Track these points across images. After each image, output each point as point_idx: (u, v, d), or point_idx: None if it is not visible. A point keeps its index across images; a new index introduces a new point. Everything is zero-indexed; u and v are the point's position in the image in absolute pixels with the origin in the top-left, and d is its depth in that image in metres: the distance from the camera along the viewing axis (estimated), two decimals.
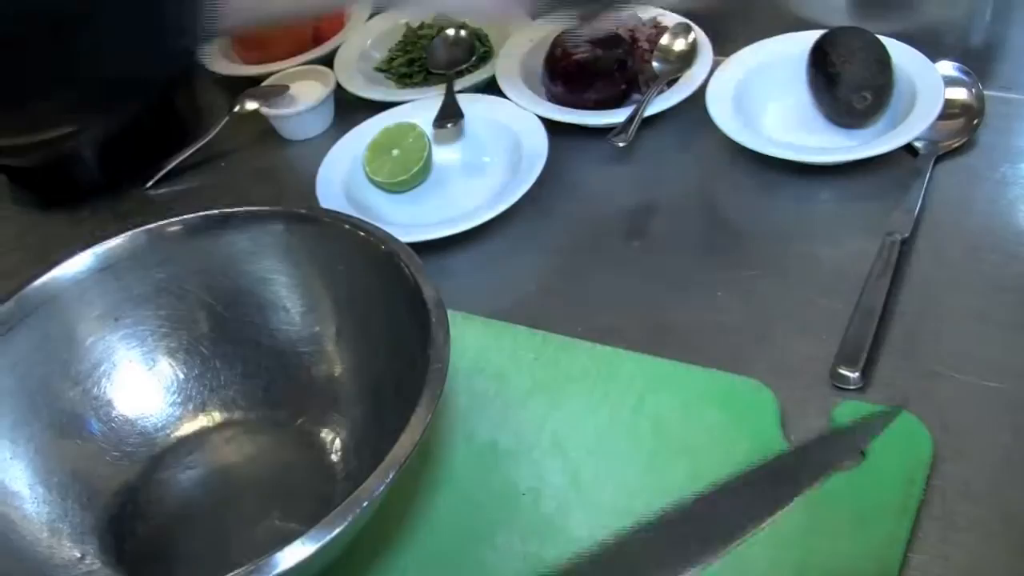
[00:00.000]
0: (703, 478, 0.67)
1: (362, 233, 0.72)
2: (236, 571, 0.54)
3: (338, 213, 0.75)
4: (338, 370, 0.76)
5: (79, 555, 0.71)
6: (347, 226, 0.74)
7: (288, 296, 0.78)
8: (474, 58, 1.12)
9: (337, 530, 0.56)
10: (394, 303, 0.70)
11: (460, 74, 1.10)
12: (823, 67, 0.93)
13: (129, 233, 0.78)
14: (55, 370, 0.76)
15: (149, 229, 0.78)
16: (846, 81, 0.92)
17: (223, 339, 0.79)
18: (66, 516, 0.73)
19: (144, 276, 0.78)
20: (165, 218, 0.79)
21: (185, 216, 0.78)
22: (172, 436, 0.78)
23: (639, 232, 0.93)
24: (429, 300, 0.66)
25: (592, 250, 0.92)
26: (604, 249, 0.92)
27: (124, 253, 0.78)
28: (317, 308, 0.77)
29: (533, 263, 0.92)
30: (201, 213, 0.78)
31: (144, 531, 0.74)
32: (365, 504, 0.57)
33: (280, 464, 0.76)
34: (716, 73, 0.99)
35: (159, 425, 0.79)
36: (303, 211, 0.76)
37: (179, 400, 0.79)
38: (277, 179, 1.11)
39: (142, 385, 0.79)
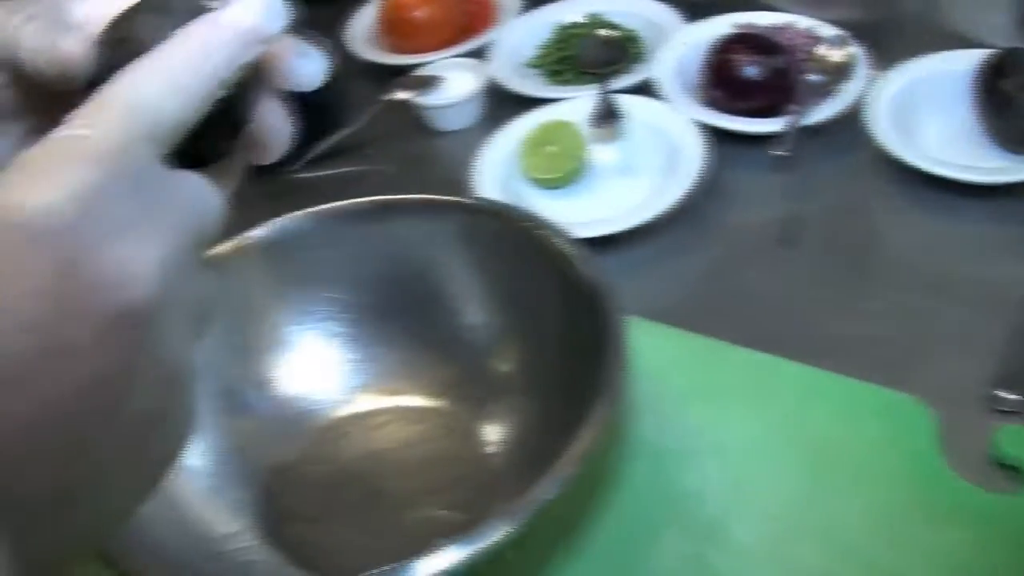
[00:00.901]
0: (862, 492, 0.69)
1: (539, 230, 0.74)
2: (417, 557, 0.56)
3: (515, 207, 0.76)
4: (503, 363, 0.77)
5: (236, 530, 0.73)
6: (524, 221, 0.75)
7: (457, 286, 0.79)
8: (626, 59, 1.13)
9: (519, 523, 0.57)
10: (568, 301, 0.71)
11: (613, 74, 1.10)
12: (995, 89, 0.93)
13: (300, 213, 0.80)
14: (221, 344, 0.77)
15: (321, 210, 0.80)
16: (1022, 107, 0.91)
17: (387, 324, 0.81)
18: (224, 490, 0.75)
19: (313, 257, 0.80)
20: (319, 202, 0.80)
21: (360, 199, 0.80)
22: (331, 417, 0.80)
23: (793, 241, 0.94)
24: (607, 301, 0.67)
25: (745, 257, 0.93)
26: (757, 257, 0.93)
27: (295, 233, 0.80)
28: (486, 300, 0.78)
29: (686, 267, 0.93)
30: (377, 198, 0.80)
31: (300, 511, 0.75)
32: (549, 498, 0.58)
33: (438, 453, 0.77)
34: (876, 86, 0.99)
35: (319, 406, 0.80)
36: (481, 202, 0.77)
37: (340, 382, 0.81)
38: (425, 169, 1.13)
39: (304, 365, 0.81)
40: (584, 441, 0.59)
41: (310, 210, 0.80)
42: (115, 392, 0.35)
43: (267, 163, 0.46)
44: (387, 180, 1.10)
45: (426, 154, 1.15)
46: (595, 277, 0.69)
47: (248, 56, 0.40)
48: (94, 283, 0.34)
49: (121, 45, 0.40)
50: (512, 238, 0.75)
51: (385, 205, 0.80)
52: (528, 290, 0.75)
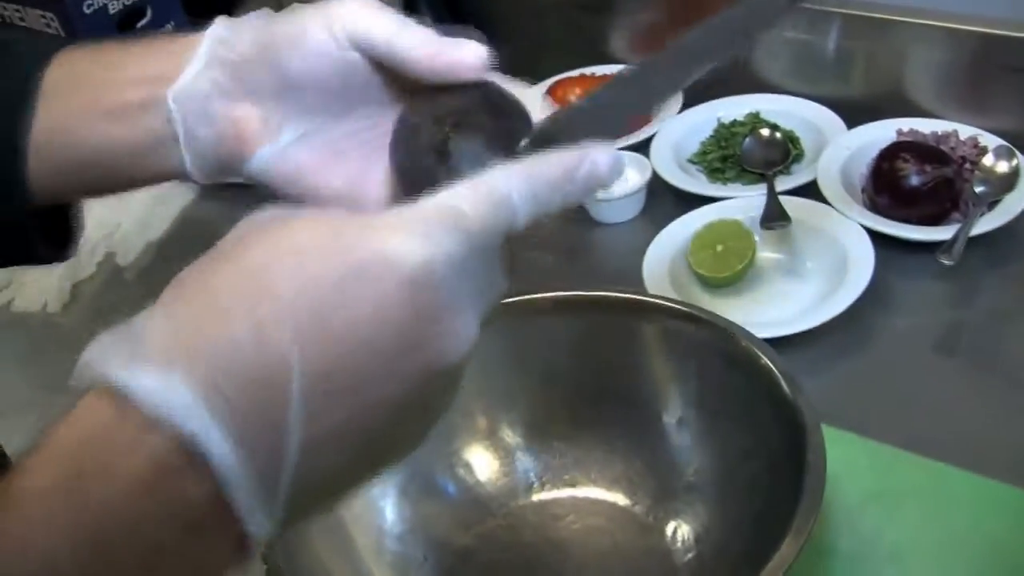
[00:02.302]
0: None
1: (731, 335, 0.77)
2: None
3: (715, 314, 0.79)
4: (691, 462, 0.80)
5: None
6: (726, 328, 0.78)
7: (652, 385, 0.82)
8: (788, 160, 1.16)
9: None
10: (757, 406, 0.74)
11: (776, 175, 1.14)
12: None
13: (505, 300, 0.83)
14: None
15: (516, 301, 0.83)
16: None
17: (577, 416, 0.84)
18: (407, 567, 0.80)
19: (504, 346, 0.83)
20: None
21: (557, 292, 0.84)
22: (513, 504, 0.84)
23: (957, 349, 0.96)
24: (805, 412, 0.70)
25: (905, 362, 0.95)
26: (917, 362, 0.95)
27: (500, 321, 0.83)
28: (679, 400, 0.81)
29: (848, 371, 0.96)
30: (572, 292, 0.83)
31: None
32: None
33: (619, 547, 0.80)
34: None
35: (502, 491, 0.84)
36: (678, 306, 0.80)
37: (525, 469, 0.85)
38: (586, 260, 1.17)
39: (492, 451, 0.85)
40: (789, 549, 0.62)
41: (514, 299, 0.83)
42: (414, 415, 0.43)
43: None
44: (548, 269, 1.14)
45: (587, 245, 1.19)
46: (790, 387, 0.72)
47: (584, 199, 0.46)
48: (440, 337, 0.41)
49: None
50: (711, 343, 0.78)
51: (583, 300, 0.83)
52: (722, 395, 0.78)
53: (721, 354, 0.77)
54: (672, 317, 0.80)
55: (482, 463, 0.84)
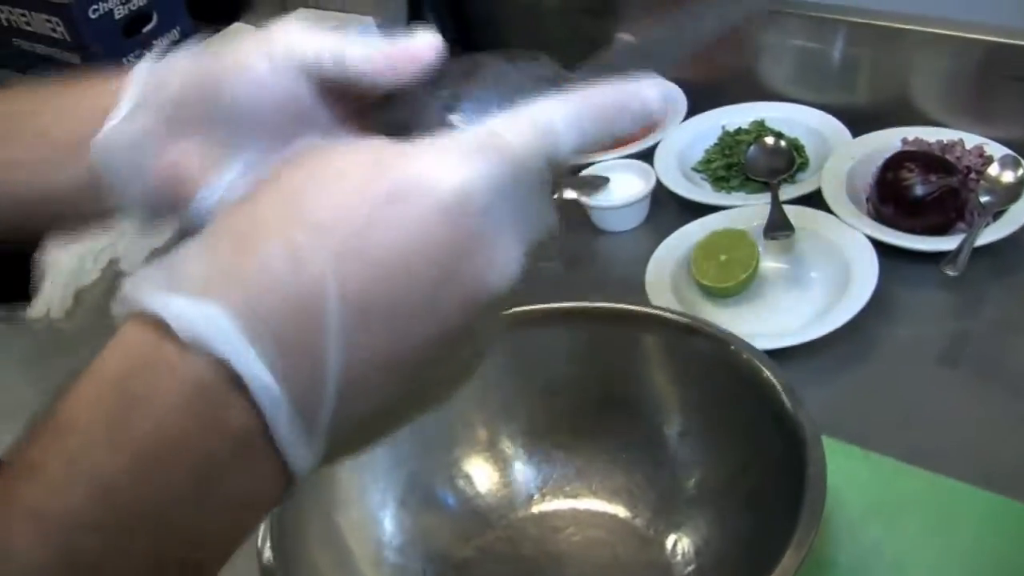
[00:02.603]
0: None
1: (732, 347, 0.77)
2: None
3: (717, 327, 0.79)
4: (692, 475, 0.80)
5: None
6: (727, 341, 0.77)
7: (652, 396, 0.82)
8: (793, 168, 1.16)
9: None
10: (758, 419, 0.73)
11: (780, 184, 1.13)
12: None
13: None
14: (417, 435, 0.82)
15: (517, 312, 0.81)
16: None
17: (577, 427, 0.84)
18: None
19: (505, 357, 0.83)
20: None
21: (554, 304, 0.83)
22: (512, 518, 0.83)
23: (961, 360, 0.95)
24: (803, 424, 0.69)
25: (908, 374, 0.94)
26: (920, 374, 0.94)
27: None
28: (679, 412, 0.81)
29: (850, 382, 0.95)
30: (573, 304, 0.83)
31: None
32: None
33: (620, 559, 0.80)
34: None
35: (502, 503, 0.84)
36: (679, 318, 0.80)
37: (521, 482, 0.84)
38: (591, 268, 1.17)
39: (492, 463, 0.84)
40: (790, 563, 0.61)
41: (515, 310, 0.81)
42: (457, 349, 0.42)
43: None
44: (553, 277, 1.13)
45: (591, 253, 1.19)
46: (790, 400, 0.71)
47: (630, 131, 0.45)
48: (481, 266, 0.40)
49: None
50: (712, 355, 0.78)
51: (585, 311, 0.83)
52: (723, 407, 0.78)
53: (722, 366, 0.77)
54: (673, 329, 0.79)
55: (482, 474, 0.84)
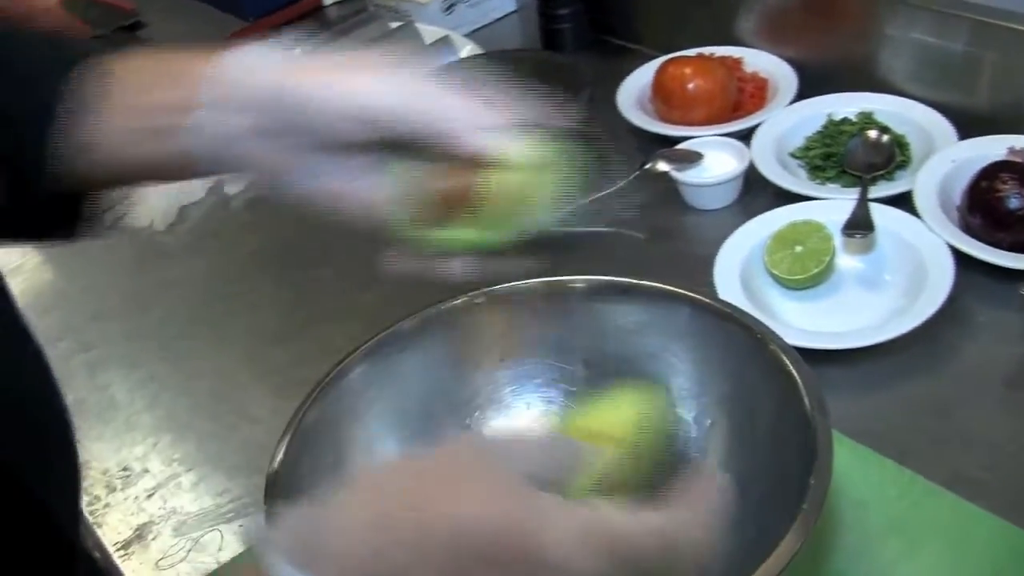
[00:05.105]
0: None
1: (760, 336, 0.74)
2: None
3: (741, 311, 0.77)
4: (703, 462, 0.78)
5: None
6: (750, 326, 0.76)
7: (670, 377, 0.81)
8: (893, 165, 1.12)
9: None
10: (780, 414, 0.71)
11: (876, 180, 1.10)
12: None
13: (531, 280, 0.83)
14: (436, 393, 0.82)
15: (552, 281, 0.83)
16: None
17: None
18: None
19: (537, 325, 0.83)
20: (571, 258, 0.85)
21: (592, 277, 0.83)
22: None
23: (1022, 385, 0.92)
24: (817, 423, 0.67)
25: (970, 394, 0.91)
26: (983, 395, 0.91)
27: (523, 298, 0.83)
28: (696, 395, 0.80)
29: (908, 393, 0.92)
30: (609, 278, 0.82)
31: None
32: None
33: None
34: None
35: None
36: (709, 300, 0.78)
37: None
38: (673, 243, 1.15)
39: (510, 428, 0.84)
40: (783, 550, 0.60)
41: (542, 279, 0.83)
42: None
43: None
44: (636, 247, 1.12)
45: (676, 228, 1.17)
46: (811, 396, 0.69)
47: None
48: None
49: None
50: (737, 342, 0.76)
51: (619, 286, 0.82)
52: (739, 394, 0.77)
53: (748, 356, 0.75)
54: (699, 309, 0.78)
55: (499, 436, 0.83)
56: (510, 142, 0.60)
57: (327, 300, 1.18)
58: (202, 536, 0.92)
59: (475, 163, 0.60)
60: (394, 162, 0.62)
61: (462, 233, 0.64)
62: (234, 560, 0.88)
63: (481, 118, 0.59)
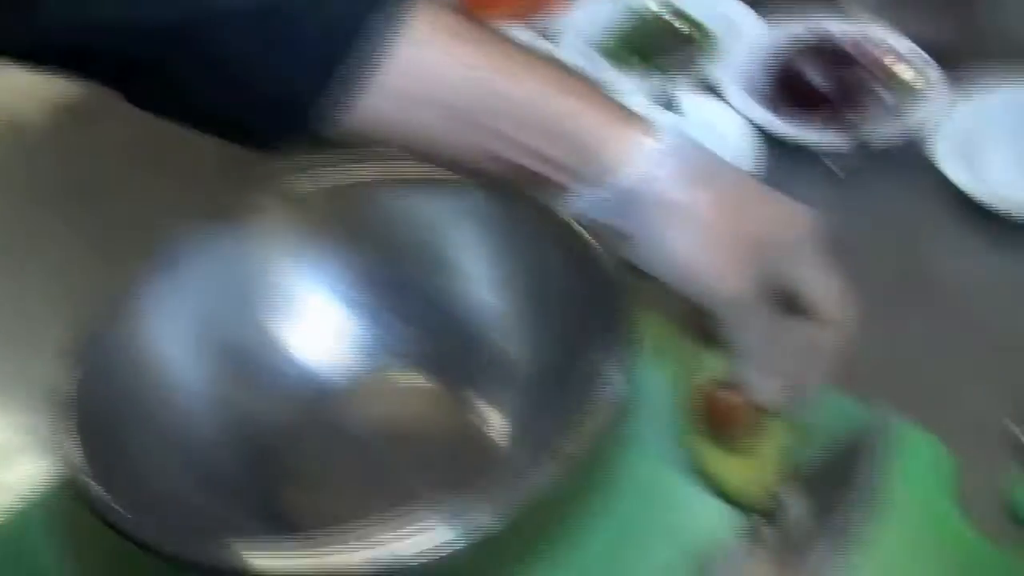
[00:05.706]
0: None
1: (559, 217, 0.72)
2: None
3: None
4: (511, 347, 0.77)
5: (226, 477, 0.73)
6: (546, 207, 0.72)
7: (474, 265, 0.79)
8: (695, 52, 1.10)
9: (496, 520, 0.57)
10: (585, 296, 0.70)
11: (679, 67, 1.09)
12: None
13: (325, 178, 0.80)
14: (230, 301, 0.78)
15: (347, 177, 0.80)
16: None
17: (403, 297, 0.80)
18: (226, 443, 0.75)
19: (335, 221, 0.80)
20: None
21: (387, 171, 0.79)
22: (335, 385, 0.80)
23: (834, 260, 0.91)
24: (619, 298, 0.67)
25: None
26: None
27: (320, 196, 0.80)
28: (499, 282, 0.78)
29: None
30: (406, 171, 0.79)
31: (295, 475, 0.76)
32: (531, 496, 0.58)
33: (438, 430, 0.77)
34: (948, 111, 0.95)
35: (325, 372, 0.80)
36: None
37: (348, 350, 0.80)
38: None
39: (314, 330, 0.80)
40: (580, 435, 0.60)
41: (336, 177, 0.80)
42: None
43: None
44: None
45: None
46: (610, 269, 0.68)
47: None
48: None
49: None
50: (531, 223, 0.74)
51: (414, 180, 0.79)
52: (542, 278, 0.75)
53: (537, 234, 0.74)
54: (490, 193, 0.76)
55: (301, 341, 0.80)
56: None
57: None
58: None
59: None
60: None
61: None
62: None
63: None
